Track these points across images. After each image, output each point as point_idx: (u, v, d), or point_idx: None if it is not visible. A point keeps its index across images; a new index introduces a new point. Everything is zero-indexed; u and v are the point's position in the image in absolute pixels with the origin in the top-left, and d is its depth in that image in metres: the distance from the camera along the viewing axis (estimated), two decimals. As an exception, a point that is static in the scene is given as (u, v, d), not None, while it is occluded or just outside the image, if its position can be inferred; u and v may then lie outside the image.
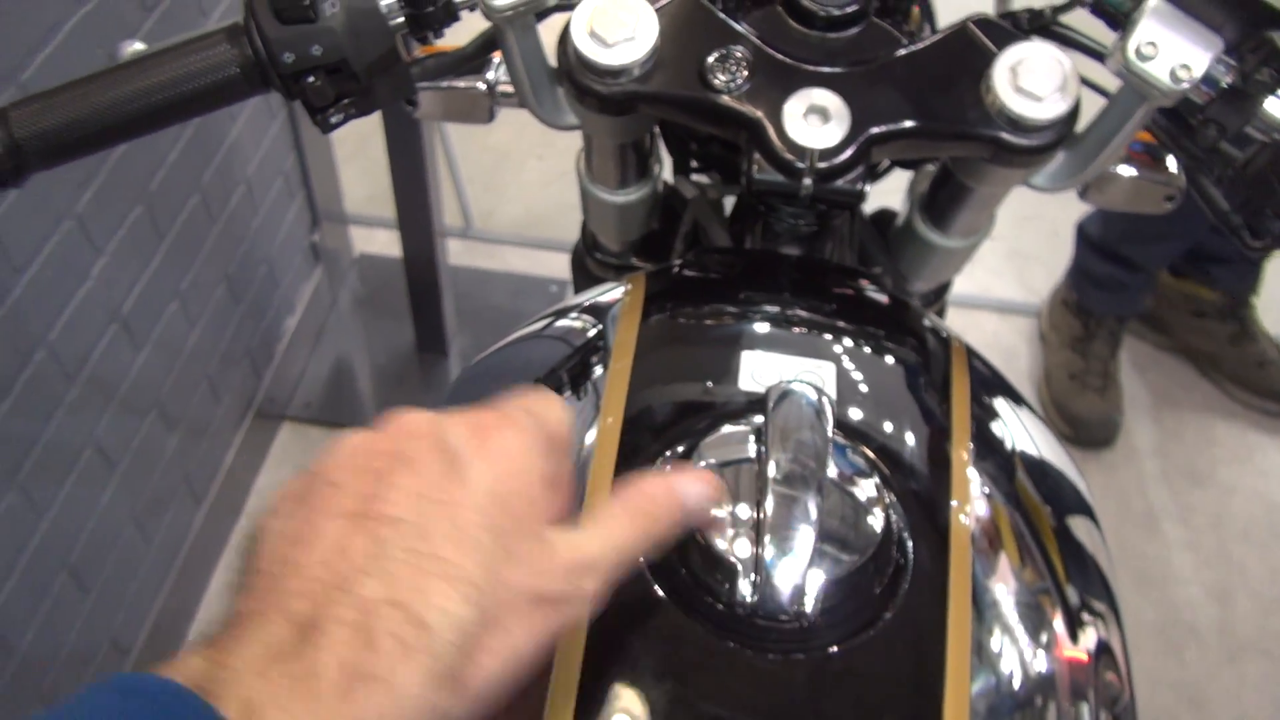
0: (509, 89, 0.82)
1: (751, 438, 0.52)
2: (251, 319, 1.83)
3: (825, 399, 0.52)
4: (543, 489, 0.40)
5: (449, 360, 2.12)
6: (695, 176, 0.87)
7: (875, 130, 0.63)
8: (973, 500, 0.54)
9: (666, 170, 0.86)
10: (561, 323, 0.71)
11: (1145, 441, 2.13)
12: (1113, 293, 2.09)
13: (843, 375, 0.58)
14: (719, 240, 0.78)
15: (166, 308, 1.53)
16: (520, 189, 2.54)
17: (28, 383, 1.22)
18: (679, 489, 0.43)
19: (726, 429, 0.52)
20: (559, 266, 2.32)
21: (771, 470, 0.48)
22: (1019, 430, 0.64)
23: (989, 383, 0.65)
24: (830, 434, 0.50)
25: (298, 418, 2.01)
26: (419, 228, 1.94)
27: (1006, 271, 2.40)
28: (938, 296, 0.94)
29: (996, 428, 0.62)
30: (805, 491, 0.47)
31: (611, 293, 0.70)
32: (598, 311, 0.69)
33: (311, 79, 0.59)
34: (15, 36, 1.12)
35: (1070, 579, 0.57)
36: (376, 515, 0.36)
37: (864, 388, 0.58)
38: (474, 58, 0.71)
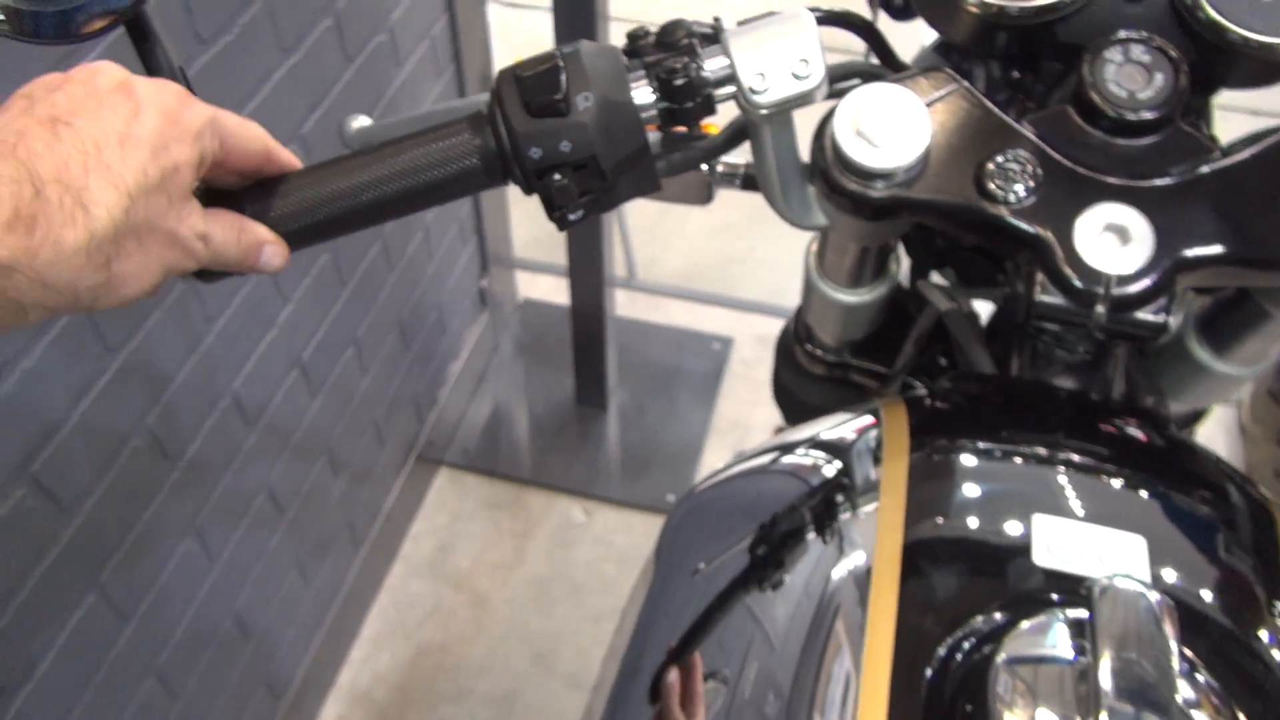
0: (730, 169, 0.77)
1: (1063, 631, 0.44)
2: (419, 364, 1.83)
3: (1166, 607, 0.43)
4: (189, 161, 0.49)
5: (607, 415, 2.08)
6: (936, 276, 0.79)
7: (1184, 254, 0.55)
8: None
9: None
10: (796, 454, 0.64)
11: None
12: None
13: (1156, 551, 0.49)
14: (980, 364, 0.70)
15: (343, 354, 1.53)
16: (684, 238, 2.49)
17: (211, 430, 1.22)
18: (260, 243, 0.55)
19: (1036, 621, 0.45)
20: (722, 322, 2.26)
21: (1105, 681, 0.40)
22: None
23: None
24: (1176, 651, 0.41)
25: (455, 464, 2.00)
26: (589, 276, 1.91)
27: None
28: (1193, 420, 0.84)
29: None
30: (1150, 710, 0.39)
31: (853, 423, 0.63)
32: (840, 443, 0.62)
33: (557, 176, 0.54)
34: (229, 85, 1.13)
35: None
36: (60, 119, 0.45)
37: (1185, 571, 0.49)
38: (723, 151, 0.65)
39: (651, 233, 2.51)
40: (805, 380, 0.91)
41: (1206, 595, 0.50)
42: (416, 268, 1.73)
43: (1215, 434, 2.12)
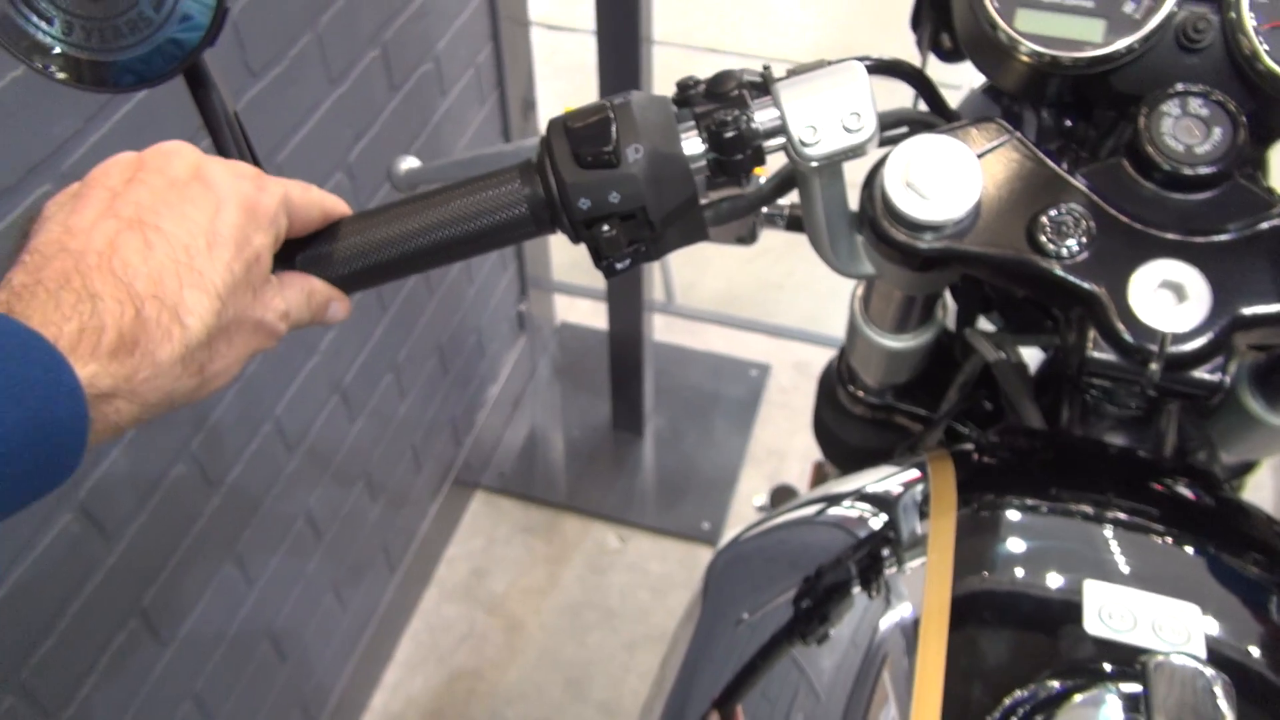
0: (775, 210, 0.76)
1: (1115, 705, 0.43)
2: (458, 388, 1.84)
3: (1223, 684, 0.42)
4: (268, 246, 0.50)
5: (644, 440, 2.07)
6: (984, 322, 0.78)
7: (1242, 312, 0.54)
8: None
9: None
10: (842, 505, 0.63)
11: None
12: None
13: (1210, 619, 0.48)
14: (1029, 418, 0.69)
15: (383, 379, 1.54)
16: (723, 263, 2.49)
17: (254, 454, 1.23)
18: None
19: (1090, 695, 0.44)
20: (760, 348, 2.25)
21: None
22: None
23: None
24: None
25: (490, 487, 2.00)
26: (627, 301, 1.91)
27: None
28: (1245, 471, 0.82)
29: None
30: None
31: (900, 476, 0.62)
32: (886, 496, 0.62)
33: (606, 227, 0.54)
34: (278, 116, 1.14)
35: None
36: (149, 224, 0.46)
37: (1240, 640, 0.48)
38: (770, 200, 0.65)
39: (690, 257, 2.51)
40: (847, 420, 0.90)
41: (1262, 664, 0.49)
42: (456, 293, 1.74)
43: (1264, 478, 2.08)
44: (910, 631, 0.51)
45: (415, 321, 1.61)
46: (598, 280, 1.96)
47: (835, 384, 0.90)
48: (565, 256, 2.35)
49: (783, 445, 2.07)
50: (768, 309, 2.36)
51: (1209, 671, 0.43)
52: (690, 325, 2.34)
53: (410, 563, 1.76)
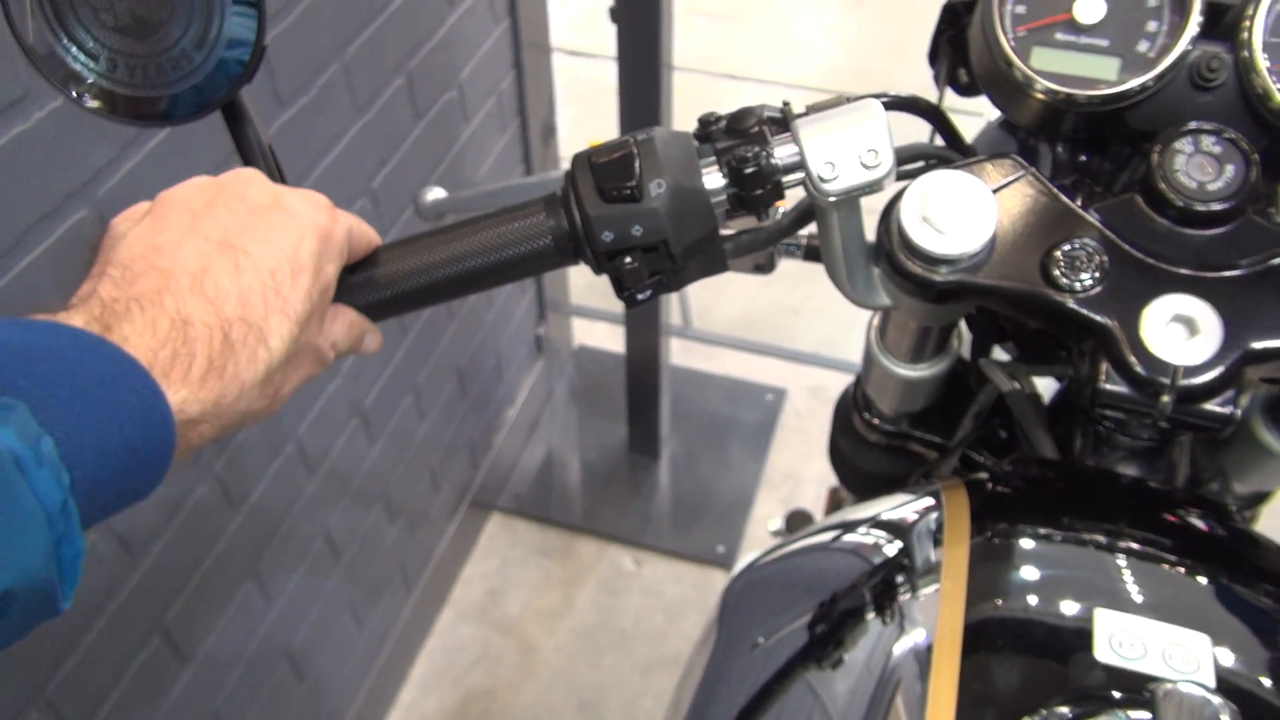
0: (793, 240, 0.78)
1: None
2: (476, 410, 1.85)
3: (1231, 712, 0.43)
4: (335, 276, 0.52)
5: (660, 464, 2.08)
6: (998, 351, 0.79)
7: (1254, 346, 0.54)
8: None
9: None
10: (857, 533, 0.64)
11: None
12: None
13: (1220, 649, 0.49)
14: (1042, 447, 0.70)
15: (402, 401, 1.55)
16: (739, 287, 2.50)
17: (275, 474, 1.25)
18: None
19: None
20: (775, 373, 2.26)
21: None
22: None
23: None
24: None
25: (506, 509, 2.01)
26: (644, 324, 1.93)
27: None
28: (1258, 501, 0.83)
29: None
30: None
31: (915, 504, 0.63)
32: (901, 524, 0.62)
33: (628, 260, 0.55)
34: (305, 144, 1.16)
35: None
36: (237, 247, 0.47)
37: (1251, 671, 0.49)
38: (789, 233, 0.66)
39: (707, 282, 2.52)
40: (862, 448, 0.91)
41: (1272, 693, 0.49)
42: (476, 316, 1.76)
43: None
44: (924, 657, 0.52)
45: (435, 344, 1.63)
46: (616, 304, 1.98)
47: (851, 411, 0.91)
48: (583, 280, 2.37)
49: (798, 470, 2.08)
50: (784, 334, 2.37)
51: (1217, 700, 0.43)
52: (707, 349, 2.35)
53: (426, 583, 1.77)
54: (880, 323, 0.77)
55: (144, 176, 0.92)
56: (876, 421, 0.88)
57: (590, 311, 2.36)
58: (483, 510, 1.97)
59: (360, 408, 1.43)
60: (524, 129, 1.80)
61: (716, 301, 2.47)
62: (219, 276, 0.45)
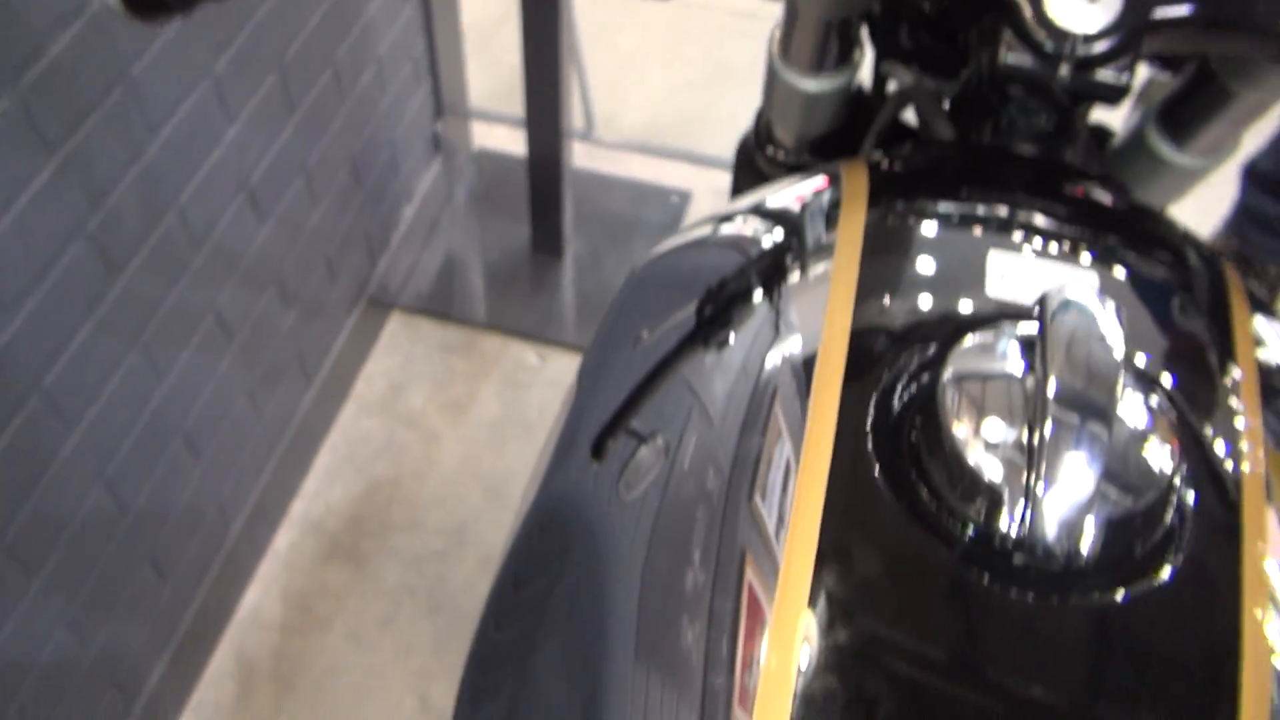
0: None
1: (1014, 348, 0.45)
2: (371, 203, 1.81)
3: (1114, 312, 0.44)
4: None
5: (564, 262, 2.08)
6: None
7: (1152, 15, 0.55)
8: (1266, 443, 0.47)
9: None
10: (748, 218, 0.64)
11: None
12: (1278, 238, 1.94)
13: (1108, 290, 0.51)
14: (943, 134, 0.70)
15: (292, 182, 1.51)
16: (645, 96, 2.46)
17: (157, 244, 1.21)
18: None
19: (981, 336, 0.46)
20: (681, 176, 2.25)
21: (1052, 388, 0.42)
22: None
23: (1264, 308, 0.57)
24: (1122, 355, 0.43)
25: (408, 307, 2.00)
26: (546, 126, 1.89)
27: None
28: None
29: None
30: (1093, 417, 0.41)
31: (807, 185, 0.63)
32: (792, 205, 0.62)
33: None
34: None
35: None
36: None
37: (1135, 307, 0.51)
38: None
39: (611, 89, 2.47)
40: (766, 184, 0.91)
41: (1145, 323, 0.51)
42: (369, 103, 1.70)
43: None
44: (812, 334, 0.52)
45: (326, 127, 1.57)
46: (516, 108, 1.93)
47: (753, 149, 0.91)
48: (484, 85, 2.30)
49: (701, 270, 2.09)
50: (689, 139, 2.34)
51: (1102, 306, 0.44)
52: (611, 154, 2.32)
53: (327, 376, 1.76)
54: (782, 34, 0.76)
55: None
56: (780, 155, 0.88)
57: (490, 114, 2.30)
58: (383, 308, 1.96)
59: (246, 183, 1.38)
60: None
61: (621, 109, 2.42)
62: None
